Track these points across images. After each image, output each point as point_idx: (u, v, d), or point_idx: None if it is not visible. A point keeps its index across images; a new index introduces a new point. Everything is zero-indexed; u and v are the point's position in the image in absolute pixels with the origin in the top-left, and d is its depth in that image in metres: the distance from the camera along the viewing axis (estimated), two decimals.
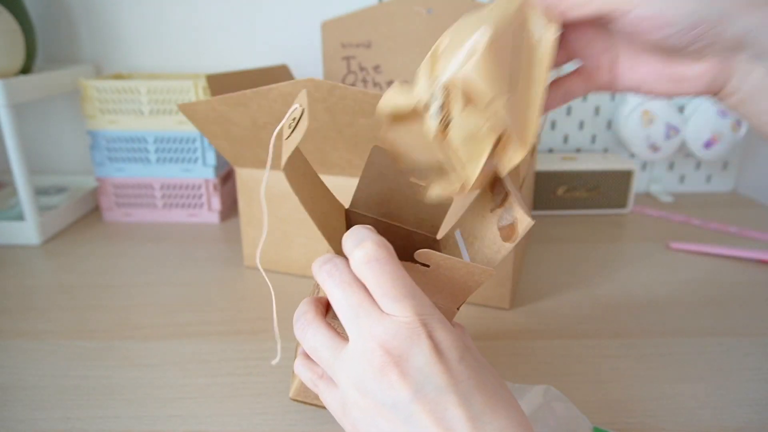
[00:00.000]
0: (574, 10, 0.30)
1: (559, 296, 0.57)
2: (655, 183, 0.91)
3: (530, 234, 0.73)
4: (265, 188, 0.38)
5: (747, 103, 0.30)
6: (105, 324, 0.52)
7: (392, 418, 0.27)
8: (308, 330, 0.31)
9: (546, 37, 0.31)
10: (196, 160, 0.75)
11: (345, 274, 0.29)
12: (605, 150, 0.90)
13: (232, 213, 0.81)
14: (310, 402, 0.37)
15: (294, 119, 0.33)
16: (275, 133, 0.34)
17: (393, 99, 0.32)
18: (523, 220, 0.32)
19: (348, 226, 0.41)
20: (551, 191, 0.80)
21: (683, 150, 0.85)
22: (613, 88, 0.34)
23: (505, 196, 0.34)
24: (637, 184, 0.91)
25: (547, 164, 0.80)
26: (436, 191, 0.34)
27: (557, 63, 0.34)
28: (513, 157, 0.32)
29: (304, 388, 0.36)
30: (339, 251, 0.31)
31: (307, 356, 0.34)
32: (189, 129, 0.73)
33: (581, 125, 0.88)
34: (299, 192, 0.31)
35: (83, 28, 0.84)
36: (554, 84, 0.35)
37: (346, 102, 0.43)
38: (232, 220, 0.79)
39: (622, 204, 0.81)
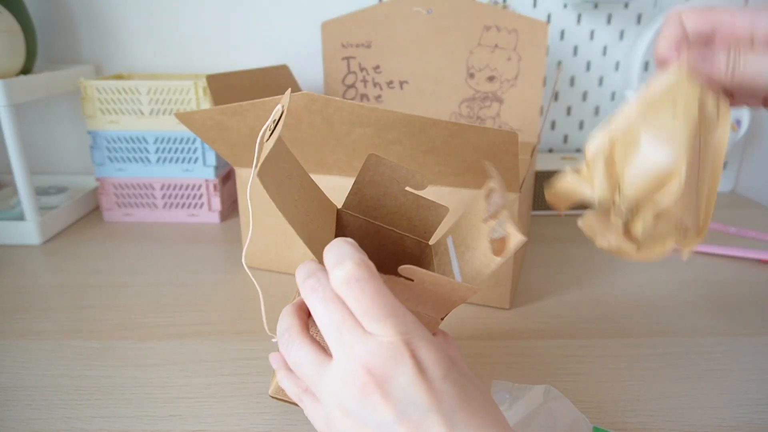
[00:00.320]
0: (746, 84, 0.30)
1: (558, 296, 0.57)
2: None
3: (530, 234, 0.73)
4: (250, 190, 0.38)
5: None
6: (105, 324, 0.52)
7: None
8: (293, 345, 0.30)
9: (721, 130, 0.31)
10: (196, 160, 0.75)
11: (328, 290, 0.28)
12: None
13: (232, 213, 0.81)
14: (288, 400, 0.37)
15: (274, 121, 0.33)
16: (259, 138, 0.33)
17: (572, 187, 0.33)
18: (515, 236, 0.31)
19: (338, 227, 0.41)
20: None
21: None
22: None
23: (499, 207, 0.34)
24: None
25: (547, 164, 0.80)
26: (603, 241, 0.33)
27: None
28: (688, 244, 0.32)
29: None
30: (321, 257, 0.30)
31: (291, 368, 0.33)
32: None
33: (581, 125, 0.88)
34: (276, 197, 0.30)
35: (84, 28, 0.84)
36: None
37: (343, 114, 0.43)
38: (232, 220, 0.79)
39: None
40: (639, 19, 0.82)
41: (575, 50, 0.84)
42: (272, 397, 0.38)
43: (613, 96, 0.87)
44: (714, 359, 0.47)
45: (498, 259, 0.33)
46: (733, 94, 0.33)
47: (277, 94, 0.55)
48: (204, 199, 0.77)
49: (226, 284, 0.60)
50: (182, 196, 0.77)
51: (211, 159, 0.75)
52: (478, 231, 0.36)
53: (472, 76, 0.73)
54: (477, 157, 0.45)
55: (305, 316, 0.33)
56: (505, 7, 0.81)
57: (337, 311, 0.28)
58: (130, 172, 0.76)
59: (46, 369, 0.45)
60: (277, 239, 0.60)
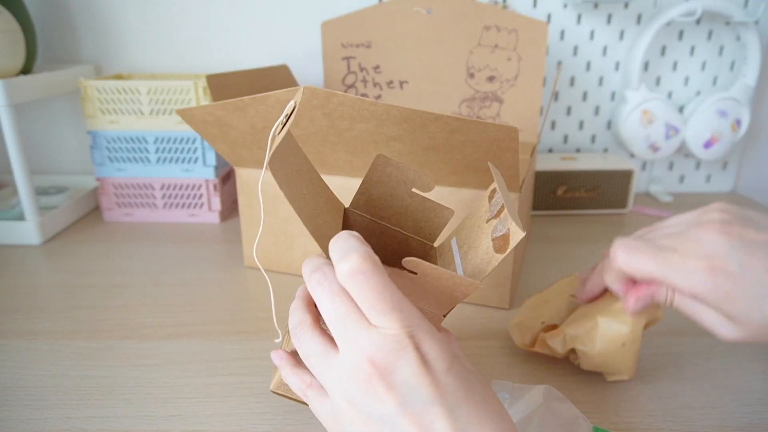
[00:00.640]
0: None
1: None
2: (654, 183, 0.91)
3: (530, 234, 0.74)
4: (261, 185, 0.38)
5: None
6: (105, 324, 0.52)
7: (379, 430, 0.27)
8: (304, 337, 0.31)
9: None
10: (196, 160, 0.75)
11: (334, 284, 0.29)
12: (605, 150, 0.90)
13: (232, 213, 0.81)
14: (290, 396, 0.37)
15: (287, 115, 0.33)
16: (272, 132, 0.34)
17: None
18: (516, 232, 0.32)
19: (345, 226, 0.41)
20: (551, 191, 0.80)
21: (683, 150, 0.85)
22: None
23: (501, 207, 0.35)
24: (637, 184, 0.91)
25: (547, 164, 0.80)
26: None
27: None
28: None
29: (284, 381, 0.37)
30: (327, 251, 0.31)
31: (296, 364, 0.34)
32: (189, 129, 0.73)
33: (581, 125, 0.88)
34: (285, 187, 0.31)
35: (84, 28, 0.84)
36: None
37: (344, 108, 0.43)
38: (232, 220, 0.79)
39: (622, 204, 0.81)
40: (639, 19, 0.82)
41: (575, 50, 0.84)
42: (273, 392, 0.38)
43: (613, 96, 0.87)
44: (714, 359, 0.47)
45: (499, 256, 0.33)
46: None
47: None
48: (204, 199, 0.77)
49: (226, 284, 0.60)
50: (182, 196, 0.77)
51: (211, 159, 0.75)
52: (481, 231, 0.36)
53: (472, 76, 0.73)
54: (477, 155, 0.45)
55: (315, 309, 0.33)
56: (505, 7, 0.81)
57: (343, 304, 0.28)
58: (130, 172, 0.76)
59: (45, 369, 0.45)
60: (277, 239, 0.60)
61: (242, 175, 0.60)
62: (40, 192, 0.80)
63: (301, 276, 0.61)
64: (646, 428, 0.39)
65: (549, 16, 0.82)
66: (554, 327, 0.44)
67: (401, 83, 0.76)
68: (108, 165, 0.75)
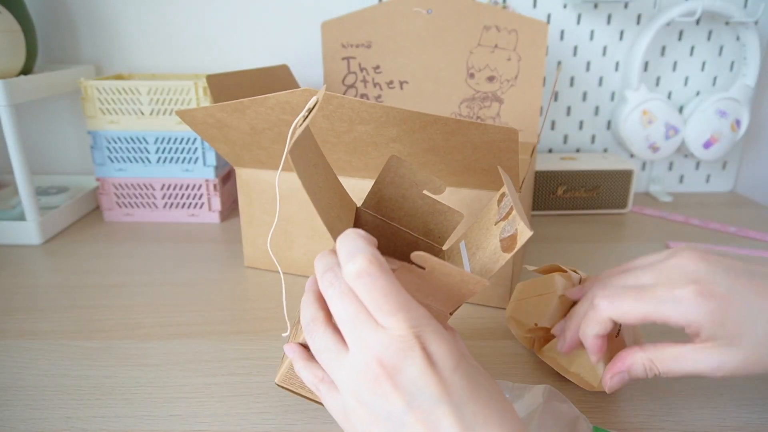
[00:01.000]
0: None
1: None
2: (654, 183, 0.91)
3: None
4: (278, 179, 0.39)
5: None
6: (105, 324, 0.52)
7: (387, 428, 0.28)
8: (317, 333, 0.32)
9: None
10: (196, 160, 0.75)
11: (344, 285, 0.29)
12: (605, 150, 0.90)
13: (232, 213, 0.81)
14: (294, 390, 0.38)
15: (308, 110, 0.34)
16: (293, 125, 0.35)
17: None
18: (523, 232, 0.33)
19: (357, 225, 0.42)
20: (551, 191, 0.80)
21: (683, 150, 0.85)
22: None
23: (510, 209, 0.35)
24: (637, 184, 0.91)
25: (546, 164, 0.80)
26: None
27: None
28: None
29: (290, 374, 0.37)
30: None
31: (308, 357, 0.34)
32: (189, 129, 0.73)
33: (581, 125, 0.88)
34: (303, 177, 0.32)
35: (84, 28, 0.84)
36: None
37: (344, 110, 0.43)
38: (232, 220, 0.79)
39: (622, 204, 0.81)
40: (639, 19, 0.82)
41: (575, 50, 0.84)
42: (278, 385, 0.38)
43: (613, 96, 0.87)
44: None
45: (506, 255, 0.34)
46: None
47: None
48: (204, 199, 0.77)
49: (226, 284, 0.60)
50: (182, 196, 0.77)
51: (211, 159, 0.75)
52: (490, 233, 0.37)
53: (472, 76, 0.73)
54: (477, 156, 0.45)
55: (326, 305, 0.33)
56: (505, 7, 0.81)
57: (352, 305, 0.29)
58: (131, 172, 0.76)
59: (46, 369, 0.45)
60: (277, 239, 0.60)
61: (242, 175, 0.60)
62: (40, 192, 0.80)
63: (302, 276, 0.61)
64: (646, 428, 0.39)
65: (549, 17, 0.82)
66: (547, 330, 0.44)
67: (401, 83, 0.76)
68: (108, 165, 0.75)
